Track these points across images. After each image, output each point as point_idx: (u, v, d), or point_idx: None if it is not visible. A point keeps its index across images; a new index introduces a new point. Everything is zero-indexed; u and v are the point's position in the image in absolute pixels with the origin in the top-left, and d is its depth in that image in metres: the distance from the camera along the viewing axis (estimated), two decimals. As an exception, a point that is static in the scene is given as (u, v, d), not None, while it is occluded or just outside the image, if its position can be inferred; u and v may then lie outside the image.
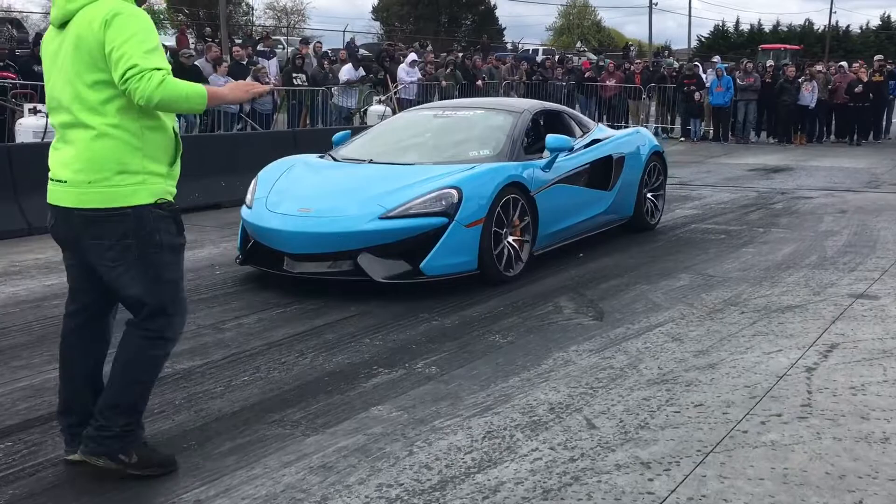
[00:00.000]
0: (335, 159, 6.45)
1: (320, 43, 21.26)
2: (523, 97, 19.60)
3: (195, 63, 13.80)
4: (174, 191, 2.90)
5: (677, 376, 3.91)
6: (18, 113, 9.71)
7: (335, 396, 3.72)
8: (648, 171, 7.54)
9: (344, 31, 38.73)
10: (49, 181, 2.86)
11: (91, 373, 3.02)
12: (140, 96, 2.64)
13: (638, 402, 3.60)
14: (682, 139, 18.85)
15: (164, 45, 13.76)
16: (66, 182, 2.79)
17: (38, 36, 15.89)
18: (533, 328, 4.73)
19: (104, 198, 2.75)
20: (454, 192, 5.36)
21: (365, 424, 3.40)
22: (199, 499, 2.78)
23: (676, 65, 22.67)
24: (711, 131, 19.16)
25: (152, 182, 2.80)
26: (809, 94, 17.90)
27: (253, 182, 6.12)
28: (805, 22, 62.19)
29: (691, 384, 3.80)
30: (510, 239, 5.68)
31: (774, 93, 18.24)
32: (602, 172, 6.94)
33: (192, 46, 19.15)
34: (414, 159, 6.19)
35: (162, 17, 53.93)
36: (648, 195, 7.62)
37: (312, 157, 6.56)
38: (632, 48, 42.70)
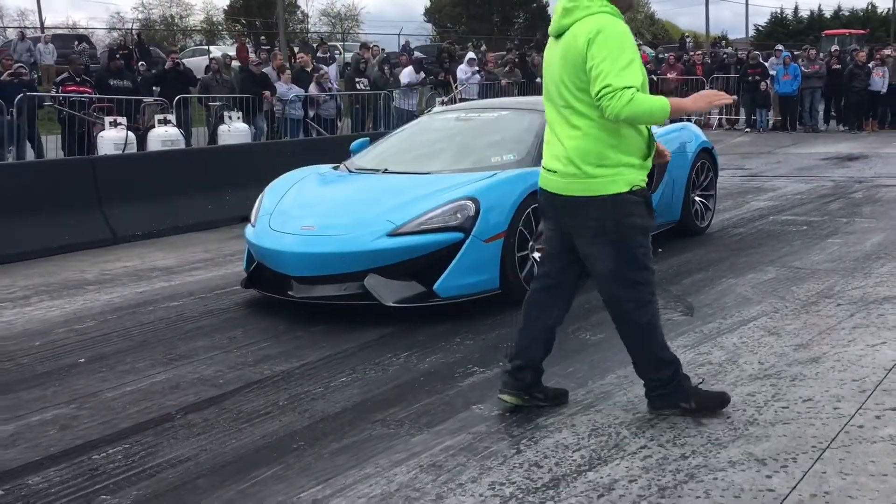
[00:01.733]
0: (349, 170, 6.09)
1: (377, 46, 21.45)
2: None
3: (263, 70, 14.06)
4: (645, 178, 3.28)
5: (780, 371, 3.83)
6: (99, 126, 10.01)
7: (434, 396, 3.74)
8: (696, 170, 7.06)
9: (399, 35, 39.01)
10: (542, 168, 3.39)
11: (545, 329, 3.49)
12: (610, 113, 3.04)
13: (743, 397, 3.54)
14: (748, 130, 18.47)
15: (227, 55, 14.07)
16: (556, 172, 3.29)
17: (113, 52, 16.42)
18: (623, 325, 4.68)
19: (586, 188, 3.21)
20: (470, 203, 4.95)
21: (468, 423, 3.41)
22: (316, 498, 2.83)
23: (732, 51, 22.23)
24: (779, 120, 18.76)
25: (627, 173, 3.20)
26: (880, 79, 17.36)
27: (259, 197, 5.81)
28: (868, 6, 60.30)
29: (796, 379, 3.72)
30: (536, 254, 5.18)
31: (843, 79, 17.76)
32: None
33: (251, 55, 19.53)
34: (432, 167, 5.73)
35: (221, 27, 55.10)
36: (697, 196, 7.12)
37: (325, 169, 6.19)
38: (688, 39, 41.94)
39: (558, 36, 3.27)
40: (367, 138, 6.89)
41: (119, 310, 5.50)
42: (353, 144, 6.75)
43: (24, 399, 3.88)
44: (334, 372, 4.11)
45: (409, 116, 14.86)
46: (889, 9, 54.31)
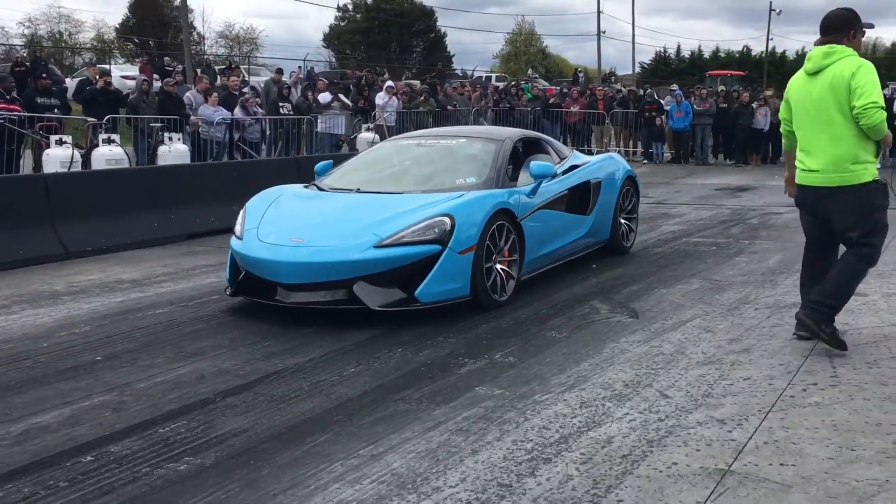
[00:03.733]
0: (321, 189, 6.59)
1: (295, 71, 21.86)
2: (493, 124, 20.48)
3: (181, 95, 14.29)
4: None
5: (721, 358, 4.63)
6: (45, 144, 10.09)
7: (438, 381, 4.34)
8: (623, 195, 7.90)
9: (304, 60, 39.31)
10: (801, 170, 4.72)
11: (820, 273, 4.78)
12: (868, 121, 4.38)
13: (695, 378, 4.30)
14: (646, 162, 19.90)
15: (126, 76, 14.17)
16: (818, 171, 4.59)
17: (13, 67, 16.17)
18: (580, 325, 5.41)
19: (843, 179, 4.52)
20: (447, 219, 5.52)
21: (476, 400, 4.03)
22: (374, 454, 3.38)
23: (627, 89, 23.85)
24: (672, 154, 20.30)
25: (871, 168, 4.53)
26: (763, 118, 19.13)
27: (241, 213, 6.24)
28: (743, 48, 64.89)
29: (735, 364, 4.53)
30: (499, 266, 5.87)
31: (730, 117, 19.45)
32: (580, 197, 7.25)
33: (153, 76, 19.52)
34: (401, 188, 6.33)
35: (112, 46, 53.77)
36: (622, 219, 7.92)
37: (298, 188, 6.69)
38: (580, 74, 44.14)
39: (815, 73, 4.58)
40: (331, 161, 7.41)
41: (108, 317, 5.82)
42: (318, 166, 7.26)
43: (64, 389, 4.23)
44: (341, 364, 4.64)
45: (337, 142, 15.40)
46: (762, 52, 58.67)
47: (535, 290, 6.37)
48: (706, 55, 64.85)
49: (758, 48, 62.89)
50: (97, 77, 15.88)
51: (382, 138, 15.68)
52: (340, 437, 3.57)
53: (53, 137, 9.84)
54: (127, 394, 4.17)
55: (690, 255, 8.02)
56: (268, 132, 15.33)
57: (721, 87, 23.27)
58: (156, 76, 20.46)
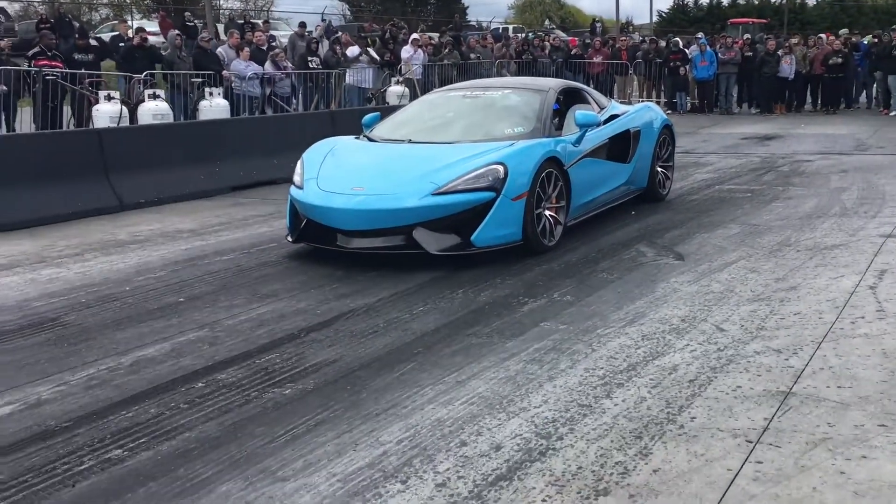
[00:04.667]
0: (372, 139, 6.81)
1: (320, 25, 21.92)
2: (515, 75, 20.51)
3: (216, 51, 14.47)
4: None
5: (769, 296, 4.89)
6: (94, 100, 10.35)
7: (504, 318, 4.63)
8: (660, 144, 8.12)
9: (322, 14, 39.22)
10: None
11: None
12: None
13: (747, 313, 4.57)
14: (669, 111, 19.91)
15: (146, 29, 14.19)
16: None
17: (38, 24, 16.43)
18: (630, 268, 5.67)
19: None
20: (500, 167, 5.75)
21: (543, 334, 4.31)
22: (458, 380, 3.68)
23: (649, 39, 23.72)
24: (695, 103, 20.30)
25: None
26: (788, 67, 19.06)
27: (299, 163, 6.48)
28: (764, -5, 63.76)
29: (784, 301, 4.78)
30: (547, 212, 6.11)
31: (755, 66, 19.40)
32: (621, 146, 7.47)
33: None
34: (451, 138, 6.53)
35: (127, 1, 53.59)
36: (659, 167, 8.21)
37: (350, 139, 6.90)
38: (597, 24, 43.72)
39: None
40: (378, 113, 7.63)
41: (178, 263, 6.13)
42: (366, 118, 7.47)
43: (157, 327, 4.56)
44: (409, 304, 4.93)
45: (368, 95, 15.55)
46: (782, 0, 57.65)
47: (581, 236, 6.62)
48: (725, 3, 63.89)
49: (779, -5, 61.76)
50: (128, 33, 16.07)
51: (411, 91, 15.86)
52: (425, 366, 3.87)
53: (102, 93, 10.08)
54: (218, 330, 4.48)
55: (726, 201, 8.22)
56: (297, 86, 15.51)
57: (747, 36, 23.07)
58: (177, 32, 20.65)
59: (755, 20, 41.88)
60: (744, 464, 2.85)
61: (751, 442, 3.01)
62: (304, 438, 3.13)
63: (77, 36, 12.63)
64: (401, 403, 3.44)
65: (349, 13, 56.11)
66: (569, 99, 7.51)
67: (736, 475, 2.77)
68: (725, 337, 4.19)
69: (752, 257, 5.86)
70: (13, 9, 37.09)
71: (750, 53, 19.77)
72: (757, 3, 62.26)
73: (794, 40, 20.34)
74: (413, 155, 6.35)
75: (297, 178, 6.40)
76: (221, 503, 2.68)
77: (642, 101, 10.05)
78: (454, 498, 2.67)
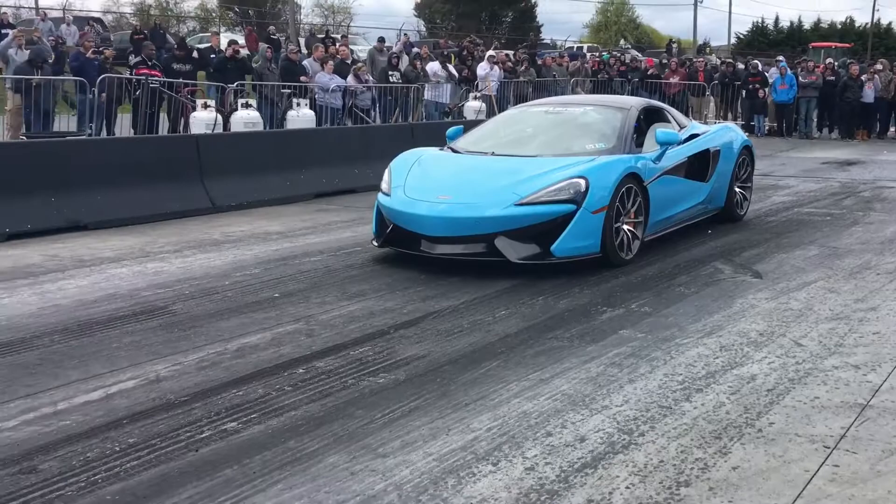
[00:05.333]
0: (456, 151, 7.08)
1: (402, 40, 22.45)
2: (589, 93, 20.62)
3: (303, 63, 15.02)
4: None
5: (848, 315, 4.95)
6: (191, 107, 10.92)
7: (583, 324, 4.80)
8: (739, 164, 8.18)
9: (400, 30, 40.04)
10: None
11: None
12: None
13: (826, 331, 4.64)
14: (747, 134, 19.71)
15: (236, 41, 14.64)
16: None
17: (132, 35, 17.30)
18: (707, 283, 5.78)
19: None
20: (582, 181, 5.94)
21: (622, 341, 4.48)
22: (542, 378, 3.88)
23: (726, 61, 23.54)
24: (773, 127, 20.06)
25: None
26: (871, 92, 18.72)
27: (386, 172, 6.75)
28: (847, 19, 62.38)
29: (863, 320, 4.84)
30: (625, 226, 6.24)
31: (837, 90, 19.09)
32: (700, 165, 7.57)
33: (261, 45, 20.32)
34: (533, 152, 6.74)
35: (214, 14, 55.53)
36: (737, 187, 8.24)
37: (435, 150, 7.14)
38: (674, 45, 43.45)
39: None
40: (461, 126, 7.91)
41: (270, 261, 6.48)
42: (449, 131, 7.74)
43: (257, 318, 4.88)
44: (492, 308, 5.15)
45: (445, 109, 15.89)
46: (867, 23, 56.30)
47: (657, 251, 6.74)
48: (806, 26, 62.68)
49: (861, 19, 60.32)
50: (219, 45, 16.76)
51: (488, 107, 16.14)
52: (509, 364, 4.08)
53: (199, 101, 10.63)
54: (312, 324, 4.78)
55: (804, 224, 8.22)
56: (376, 99, 15.95)
57: (829, 59, 22.72)
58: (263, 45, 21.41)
59: (838, 44, 41.00)
60: (821, 466, 2.97)
61: (828, 447, 3.13)
62: (400, 422, 3.37)
63: (176, 47, 13.27)
64: (488, 396, 3.66)
65: (424, 29, 57.02)
66: (650, 117, 7.64)
67: (813, 476, 2.90)
68: (804, 351, 4.29)
69: (832, 278, 5.90)
70: (107, 20, 38.90)
71: (832, 78, 19.48)
72: (840, 27, 61.04)
73: (878, 66, 19.95)
74: (497, 166, 6.57)
75: (384, 186, 6.69)
76: (329, 472, 2.93)
77: (721, 123, 10.15)
78: (542, 481, 2.87)
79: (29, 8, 39.97)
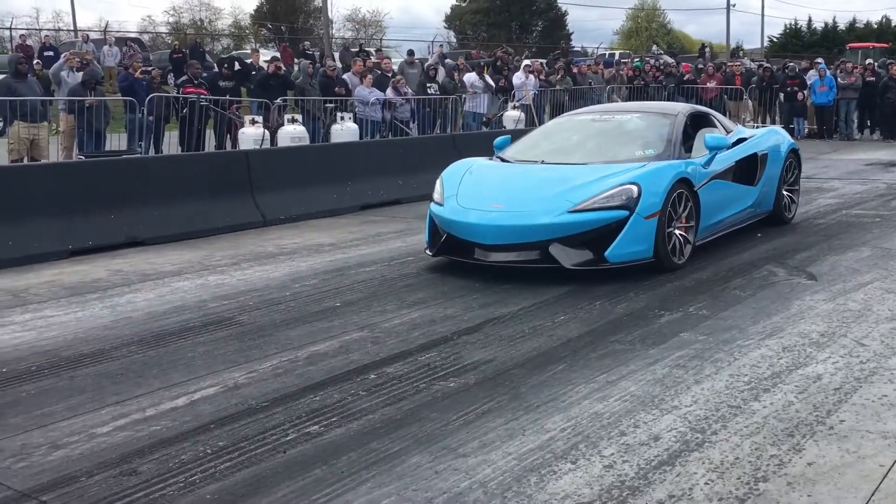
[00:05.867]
0: (505, 160, 7.24)
1: (437, 51, 22.67)
2: (626, 101, 20.62)
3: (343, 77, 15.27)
4: None
5: (908, 314, 4.96)
6: (239, 124, 11.18)
7: (642, 328, 4.87)
8: (786, 168, 8.21)
9: (433, 41, 40.40)
10: None
11: None
12: None
13: (887, 330, 4.66)
14: (787, 138, 19.57)
15: (278, 58, 14.96)
16: None
17: (172, 54, 17.62)
18: (762, 286, 5.81)
19: None
20: (634, 187, 6.02)
21: (684, 343, 4.54)
22: (609, 380, 3.96)
23: (764, 65, 23.39)
24: (813, 129, 19.89)
25: None
26: (914, 92, 18.48)
27: (438, 182, 6.88)
28: (882, 18, 61.53)
29: (923, 319, 4.85)
30: (677, 231, 6.31)
31: (878, 91, 18.89)
32: (748, 169, 7.59)
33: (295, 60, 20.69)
34: (583, 159, 6.81)
35: (247, 31, 56.41)
36: (785, 191, 8.27)
37: (485, 160, 7.32)
38: (707, 49, 43.18)
39: None
40: (509, 136, 8.01)
41: (327, 272, 6.63)
42: (497, 141, 7.83)
43: (322, 327, 5.02)
44: (550, 313, 5.24)
45: (485, 119, 16.02)
46: (903, 23, 55.45)
47: (709, 256, 6.78)
48: (841, 27, 61.93)
49: (897, 18, 59.42)
50: (258, 61, 17.08)
51: (527, 116, 16.24)
52: (575, 367, 4.16)
53: (247, 118, 10.88)
54: (377, 331, 4.90)
55: (854, 226, 8.19)
56: (415, 111, 16.13)
57: (868, 60, 22.48)
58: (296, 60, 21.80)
59: (876, 44, 40.45)
60: (895, 462, 3.02)
61: (901, 443, 3.17)
62: (476, 423, 3.47)
63: (226, 66, 13.58)
64: (558, 398, 3.75)
65: (454, 40, 57.33)
66: (696, 123, 7.68)
67: (889, 470, 2.95)
68: (867, 351, 4.32)
69: (888, 279, 5.89)
70: (143, 39, 39.68)
71: (872, 78, 19.28)
72: (875, 27, 60.22)
73: (919, 65, 19.70)
74: (548, 174, 6.66)
75: (436, 196, 6.81)
76: (414, 472, 3.04)
77: (767, 126, 10.19)
78: (622, 478, 2.96)
79: (68, 31, 41.12)
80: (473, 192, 6.57)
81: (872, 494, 2.79)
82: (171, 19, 55.46)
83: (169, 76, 19.37)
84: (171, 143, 12.83)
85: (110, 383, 4.08)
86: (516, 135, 8.09)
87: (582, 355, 4.37)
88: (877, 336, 4.56)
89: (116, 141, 12.67)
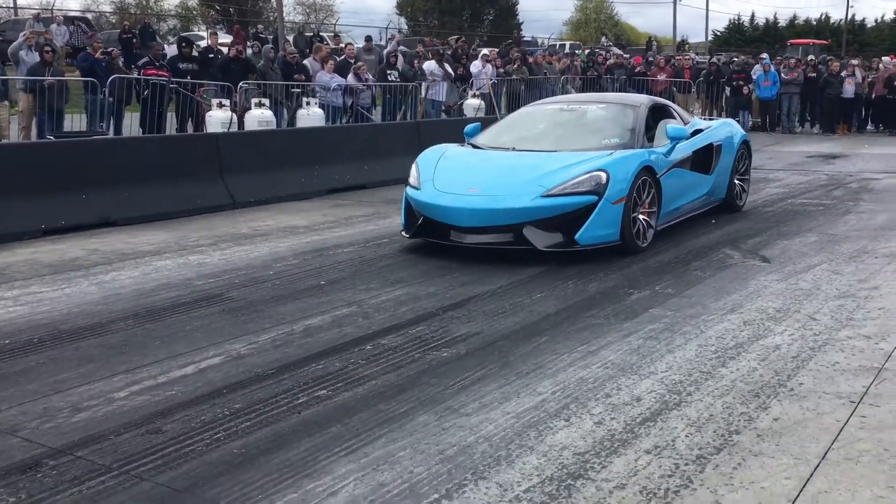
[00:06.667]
0: (477, 147, 7.55)
1: (395, 37, 22.80)
2: (579, 91, 21.09)
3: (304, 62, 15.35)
4: None
5: (854, 293, 5.40)
6: (206, 106, 11.21)
7: (615, 304, 5.21)
8: (738, 158, 8.71)
9: (387, 28, 40.43)
10: None
11: None
12: None
13: (836, 307, 5.09)
14: (732, 130, 20.27)
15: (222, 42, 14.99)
16: None
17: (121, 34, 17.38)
18: (720, 267, 6.22)
19: None
20: (603, 174, 6.37)
21: (654, 318, 4.89)
22: (589, 350, 4.29)
23: (709, 58, 24.12)
24: (757, 122, 20.64)
25: None
26: (851, 87, 19.35)
27: (414, 167, 7.13)
28: (822, 15, 63.51)
29: (868, 298, 5.29)
30: (641, 216, 6.71)
31: (819, 86, 19.70)
32: (704, 158, 8.03)
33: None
34: (553, 147, 7.14)
35: (195, 12, 55.47)
36: (737, 179, 8.76)
37: (457, 146, 7.61)
38: (653, 42, 44.04)
39: None
40: (479, 124, 8.29)
41: (306, 253, 6.83)
42: (467, 128, 8.11)
43: (312, 303, 5.24)
44: (527, 291, 5.55)
45: (446, 108, 16.26)
46: (841, 20, 57.37)
47: (669, 240, 7.17)
48: (782, 23, 63.72)
49: (836, 15, 61.42)
50: (215, 44, 17.00)
51: (487, 104, 16.53)
52: (557, 339, 4.48)
53: (214, 101, 10.94)
54: (365, 307, 5.15)
55: (800, 213, 8.70)
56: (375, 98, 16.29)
57: (810, 57, 23.36)
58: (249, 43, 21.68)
59: (815, 41, 41.83)
60: (850, 417, 3.40)
61: (854, 402, 3.56)
62: (473, 388, 3.76)
63: (184, 45, 13.54)
64: (545, 366, 4.06)
65: (406, 27, 57.29)
66: (657, 114, 8.06)
67: (844, 424, 3.33)
68: (819, 325, 4.73)
69: (834, 262, 6.36)
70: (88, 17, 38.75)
71: (813, 74, 20.09)
72: (815, 23, 62.13)
73: (854, 61, 20.60)
74: (521, 161, 6.96)
75: (412, 180, 7.06)
76: (423, 429, 3.32)
77: (721, 118, 10.73)
78: (611, 432, 3.28)
79: (8, 8, 39.95)
80: (449, 176, 6.83)
81: (832, 443, 3.16)
82: (115, -1, 54.24)
83: (119, 60, 19.11)
84: (132, 124, 12.79)
85: (116, 353, 4.25)
86: (478, 122, 8.37)
87: (562, 329, 4.69)
88: (827, 311, 4.98)
89: (77, 121, 12.59)
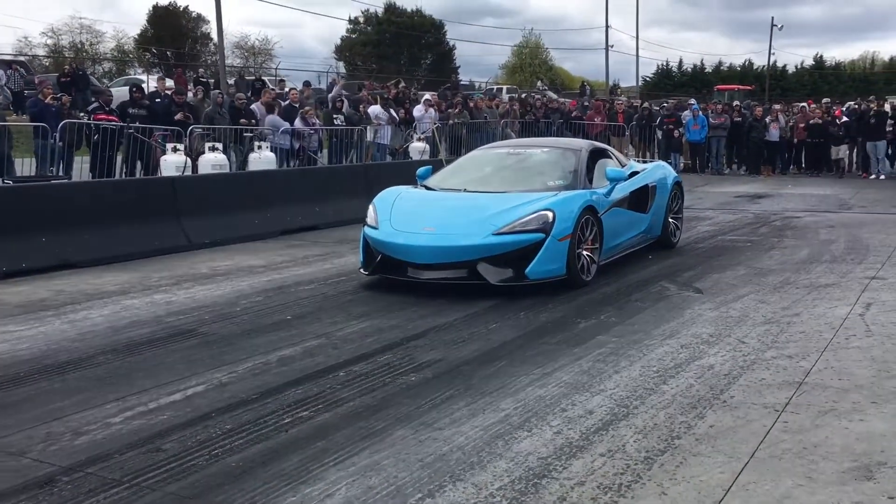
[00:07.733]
0: (429, 188, 8.05)
1: (337, 81, 23.29)
2: (519, 135, 21.88)
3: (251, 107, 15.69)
4: None
5: (779, 319, 5.97)
6: (159, 151, 11.44)
7: (565, 332, 5.66)
8: (672, 198, 9.41)
9: (327, 72, 40.98)
10: None
11: None
12: None
13: (762, 331, 5.63)
14: (664, 171, 21.24)
15: (182, 88, 15.16)
16: None
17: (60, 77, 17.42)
18: (658, 298, 6.74)
19: None
20: (550, 213, 6.89)
21: (601, 343, 5.35)
22: (545, 372, 4.70)
23: (643, 104, 25.27)
24: (688, 164, 21.69)
25: None
26: (775, 131, 20.54)
27: (371, 208, 7.58)
28: (745, 62, 66.66)
29: (791, 323, 5.86)
30: (585, 252, 7.23)
31: (744, 130, 20.86)
32: (640, 198, 8.67)
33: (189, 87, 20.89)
34: (501, 188, 7.68)
35: (131, 56, 55.19)
36: (671, 218, 9.43)
37: (410, 188, 8.09)
38: (586, 86, 45.59)
39: None
40: (430, 167, 8.76)
41: (268, 290, 7.14)
42: (420, 171, 8.58)
43: (282, 336, 5.55)
44: (482, 322, 5.96)
45: (391, 150, 16.74)
46: (763, 66, 60.22)
47: (610, 275, 7.70)
48: (708, 69, 66.60)
49: (758, 62, 64.45)
50: (163, 88, 17.23)
51: (432, 147, 17.08)
52: (514, 363, 4.89)
53: (169, 145, 11.18)
54: (333, 339, 5.49)
55: (729, 249, 9.36)
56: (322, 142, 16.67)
57: (736, 102, 24.70)
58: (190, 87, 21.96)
59: (740, 87, 43.98)
60: (774, 423, 3.88)
61: (778, 411, 4.05)
62: (442, 406, 4.14)
63: (135, 90, 13.75)
64: (506, 386, 4.46)
65: (344, 71, 57.99)
66: (596, 157, 8.66)
67: (770, 429, 3.80)
68: (747, 347, 5.25)
69: (760, 292, 6.95)
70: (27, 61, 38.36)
71: (739, 119, 21.27)
72: (739, 69, 65.13)
73: (777, 106, 21.89)
74: (473, 201, 7.44)
75: (370, 220, 7.45)
76: (402, 441, 3.67)
77: (655, 161, 11.49)
78: (569, 440, 3.69)
79: (-63, 49, 39.26)
80: (406, 216, 7.26)
81: (759, 444, 3.63)
82: (49, 41, 53.71)
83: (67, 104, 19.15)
84: (82, 168, 12.90)
85: (104, 384, 4.50)
86: (429, 165, 8.85)
87: (518, 354, 5.11)
88: (754, 336, 5.52)
89: (26, 166, 12.65)
